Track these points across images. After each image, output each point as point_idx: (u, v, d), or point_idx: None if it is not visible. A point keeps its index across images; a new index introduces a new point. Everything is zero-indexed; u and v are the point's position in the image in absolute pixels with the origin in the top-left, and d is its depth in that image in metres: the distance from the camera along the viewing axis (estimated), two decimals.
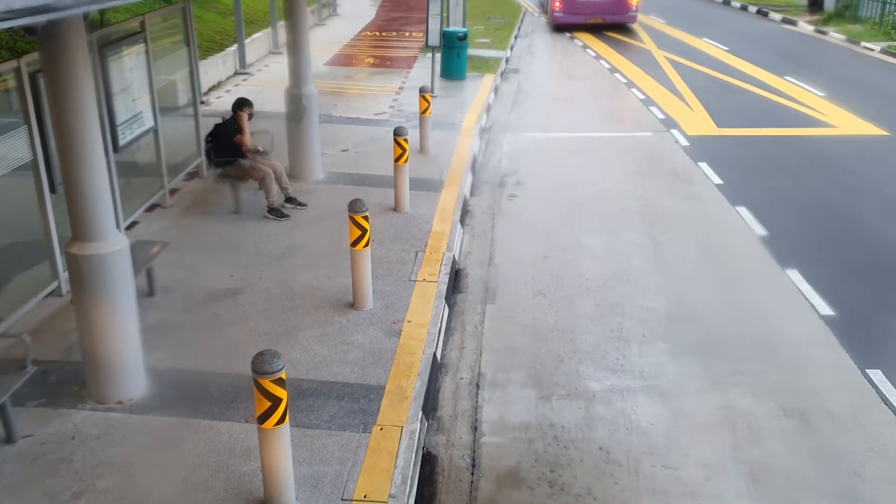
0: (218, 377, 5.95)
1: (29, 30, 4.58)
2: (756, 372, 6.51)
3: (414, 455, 5.21)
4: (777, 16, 27.58)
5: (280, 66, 16.24)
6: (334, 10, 27.02)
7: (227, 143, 8.95)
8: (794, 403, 6.10)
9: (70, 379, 5.81)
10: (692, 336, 7.05)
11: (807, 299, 7.72)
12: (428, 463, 5.45)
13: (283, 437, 4.48)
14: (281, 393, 4.35)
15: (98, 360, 5.50)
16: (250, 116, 9.09)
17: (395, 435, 5.36)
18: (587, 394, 6.20)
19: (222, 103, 14.10)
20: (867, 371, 6.53)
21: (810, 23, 25.69)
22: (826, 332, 7.15)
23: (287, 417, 4.45)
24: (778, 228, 9.41)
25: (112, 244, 5.34)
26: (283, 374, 4.34)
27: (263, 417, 4.38)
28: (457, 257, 8.49)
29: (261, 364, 4.29)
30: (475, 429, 5.81)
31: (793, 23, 26.30)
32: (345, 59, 19.19)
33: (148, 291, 7.15)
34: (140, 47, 8.47)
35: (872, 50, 21.32)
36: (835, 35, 23.56)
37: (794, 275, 8.21)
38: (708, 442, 5.66)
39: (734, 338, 7.03)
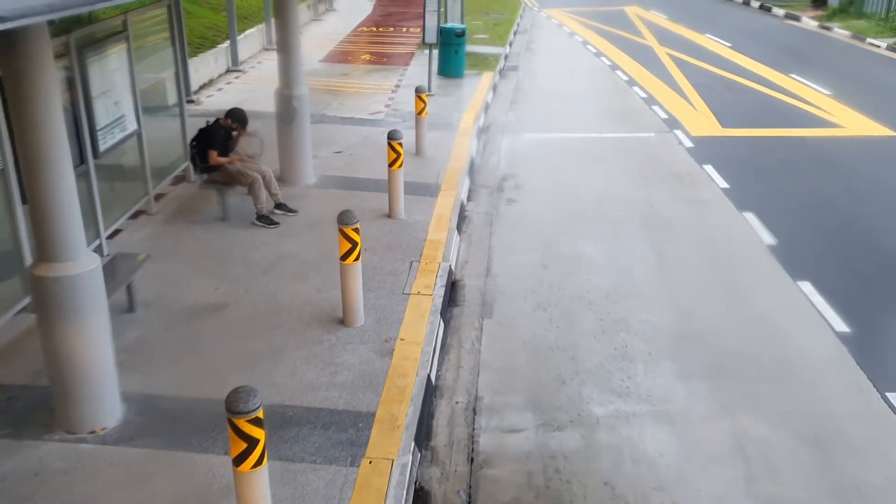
0: (198, 403, 5.57)
1: None
2: (768, 395, 6.15)
3: (405, 492, 4.85)
4: (780, 11, 27.21)
5: (274, 63, 15.74)
6: (330, 5, 26.61)
7: (209, 150, 8.57)
8: (809, 431, 5.73)
9: (39, 405, 5.43)
10: (700, 355, 6.68)
11: (820, 314, 7.35)
12: (420, 499, 5.08)
13: (262, 480, 4.12)
14: (258, 433, 3.99)
15: (67, 388, 5.13)
16: (230, 130, 8.73)
17: (384, 469, 5.00)
18: (590, 420, 5.84)
19: (213, 102, 13.72)
20: (887, 395, 6.16)
21: (814, 18, 25.31)
22: (842, 351, 6.78)
23: (265, 459, 4.09)
24: (787, 236, 9.04)
25: (82, 264, 4.95)
26: (260, 413, 3.98)
27: (239, 460, 4.02)
28: (453, 268, 8.12)
29: (235, 402, 3.92)
30: (471, 460, 5.44)
31: (796, 18, 25.93)
32: (340, 56, 18.78)
33: (128, 307, 6.79)
34: (122, 46, 8.09)
35: (878, 46, 20.94)
36: (839, 31, 23.18)
37: (807, 287, 7.83)
38: (720, 474, 5.30)
39: (745, 357, 6.66)
